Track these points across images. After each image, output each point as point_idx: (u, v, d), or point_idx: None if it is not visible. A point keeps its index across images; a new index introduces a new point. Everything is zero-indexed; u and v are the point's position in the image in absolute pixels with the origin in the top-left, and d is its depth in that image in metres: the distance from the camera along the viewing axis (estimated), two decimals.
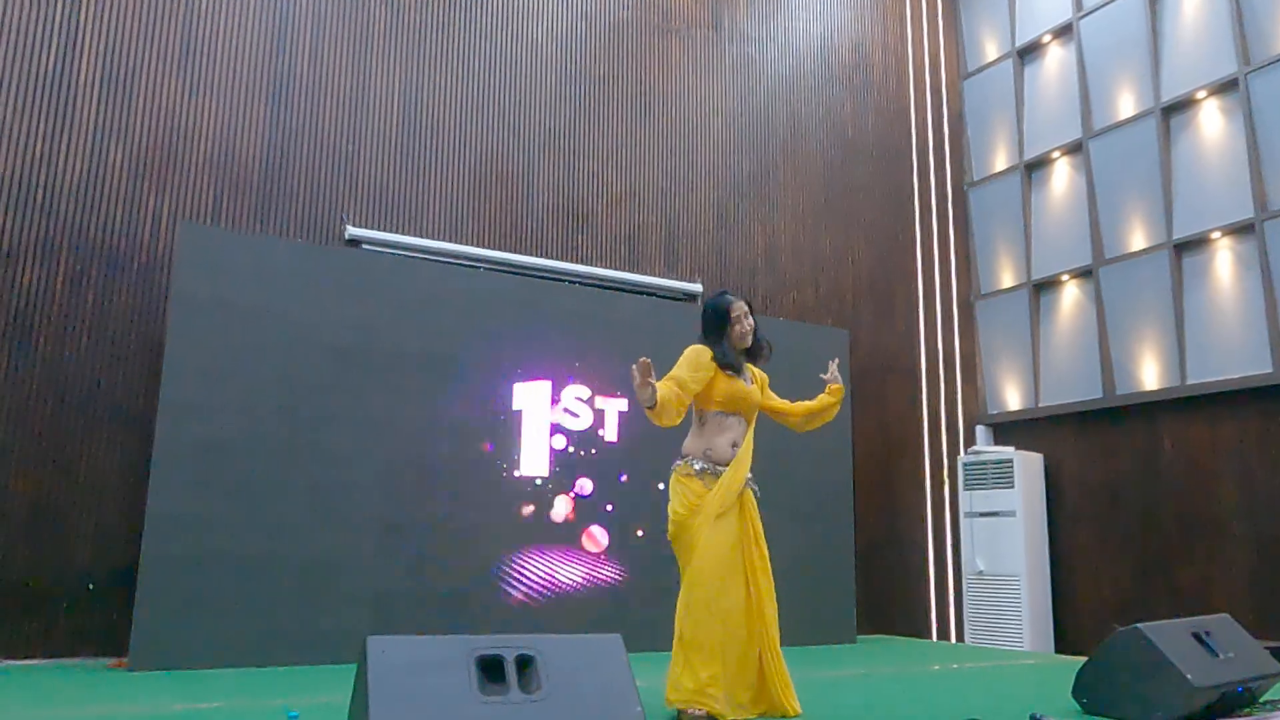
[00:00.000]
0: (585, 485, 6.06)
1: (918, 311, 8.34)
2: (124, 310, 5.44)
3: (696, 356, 3.58)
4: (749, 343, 3.69)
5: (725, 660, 3.31)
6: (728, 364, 3.59)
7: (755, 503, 3.63)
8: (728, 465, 3.54)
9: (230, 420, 5.08)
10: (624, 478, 6.17)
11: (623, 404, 6.27)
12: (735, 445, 3.59)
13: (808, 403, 3.88)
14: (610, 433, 6.21)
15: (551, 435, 6.01)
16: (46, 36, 5.46)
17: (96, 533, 5.16)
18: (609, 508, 6.10)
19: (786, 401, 3.89)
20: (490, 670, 2.36)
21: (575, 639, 2.58)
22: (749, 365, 3.76)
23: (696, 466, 3.56)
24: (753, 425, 3.71)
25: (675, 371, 3.54)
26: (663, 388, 3.42)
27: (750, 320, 3.68)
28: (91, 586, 5.10)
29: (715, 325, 3.66)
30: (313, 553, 5.16)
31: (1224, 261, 6.74)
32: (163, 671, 4.61)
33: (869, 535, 7.40)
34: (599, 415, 6.19)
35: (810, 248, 7.88)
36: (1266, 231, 6.41)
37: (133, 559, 4.87)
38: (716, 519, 3.45)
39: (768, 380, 3.87)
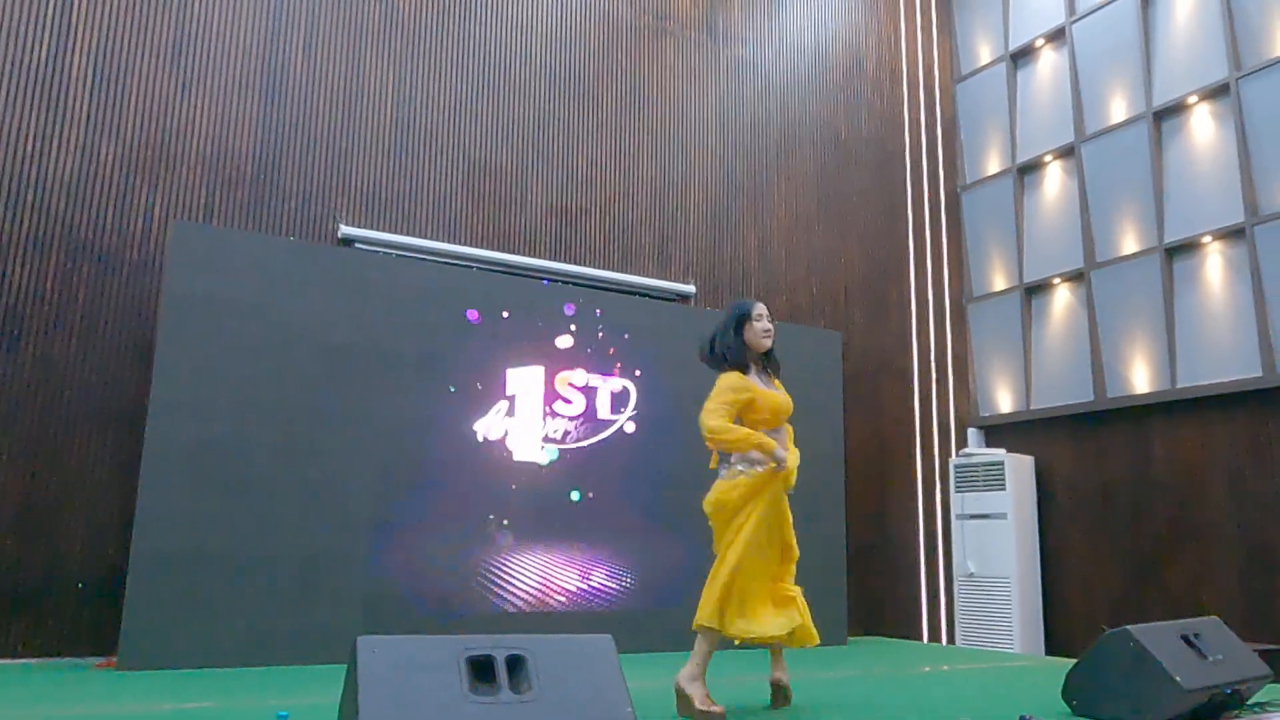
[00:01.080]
0: (581, 470, 6.06)
1: (910, 313, 8.36)
2: (115, 308, 5.42)
3: (726, 383, 3.70)
4: (768, 344, 3.81)
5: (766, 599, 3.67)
6: (741, 360, 3.75)
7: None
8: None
9: (221, 419, 5.06)
10: (618, 463, 6.18)
11: (615, 385, 6.29)
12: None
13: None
14: (604, 412, 6.21)
15: (545, 422, 6.02)
16: (38, 32, 5.44)
17: (86, 531, 5.14)
18: (598, 494, 6.11)
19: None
20: (481, 670, 2.36)
21: (566, 639, 2.58)
22: (772, 375, 3.91)
23: (746, 467, 3.68)
24: (788, 428, 3.89)
25: (715, 410, 3.64)
26: (743, 431, 3.64)
27: (769, 324, 3.82)
28: (81, 585, 5.08)
29: (736, 323, 3.79)
30: (304, 552, 5.15)
31: (1214, 266, 6.77)
32: (151, 671, 4.59)
33: (860, 537, 7.41)
34: (591, 398, 6.19)
35: (803, 249, 7.89)
36: (1257, 236, 6.44)
37: (123, 558, 4.85)
38: (767, 505, 3.67)
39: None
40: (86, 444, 5.23)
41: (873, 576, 7.54)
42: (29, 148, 5.33)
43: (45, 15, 5.46)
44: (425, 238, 6.31)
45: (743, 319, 3.79)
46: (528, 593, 5.79)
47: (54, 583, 5.03)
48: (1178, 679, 3.20)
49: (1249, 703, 3.64)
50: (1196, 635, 3.50)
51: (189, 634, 4.78)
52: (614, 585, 6.06)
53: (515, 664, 2.40)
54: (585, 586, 5.98)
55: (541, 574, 5.86)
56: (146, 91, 5.69)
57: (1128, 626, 3.40)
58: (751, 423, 3.69)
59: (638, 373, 6.39)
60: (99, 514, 5.18)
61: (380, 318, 5.59)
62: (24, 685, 4.14)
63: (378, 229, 6.18)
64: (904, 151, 8.64)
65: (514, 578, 5.76)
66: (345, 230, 6.03)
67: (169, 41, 5.79)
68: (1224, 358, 6.60)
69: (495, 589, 5.68)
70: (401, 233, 6.25)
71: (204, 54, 5.88)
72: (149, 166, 5.63)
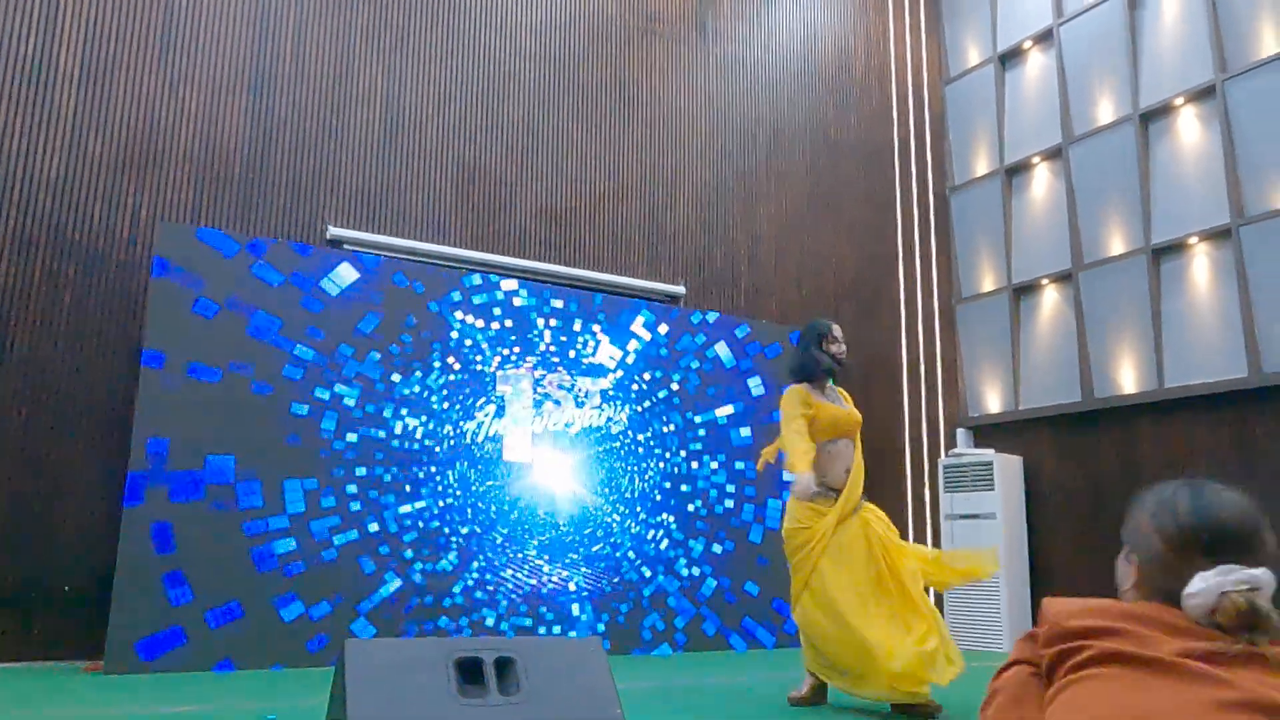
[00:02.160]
0: (569, 470, 6.06)
1: (899, 314, 8.38)
2: (102, 308, 5.38)
3: (791, 401, 3.94)
4: (838, 366, 4.08)
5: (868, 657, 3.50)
6: (815, 373, 4.00)
7: (878, 517, 3.88)
8: (841, 489, 3.83)
9: (209, 420, 5.04)
10: (607, 460, 6.18)
11: (605, 384, 6.29)
12: (848, 470, 3.89)
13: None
14: (592, 417, 6.21)
15: (534, 422, 6.02)
16: (24, 28, 5.40)
17: (73, 534, 5.11)
18: (587, 494, 6.11)
19: None
20: (469, 672, 2.35)
21: (555, 641, 2.58)
22: (839, 389, 4.14)
23: (813, 490, 3.77)
24: (859, 445, 4.02)
25: (788, 427, 3.89)
26: (803, 450, 3.80)
27: (843, 347, 4.12)
28: (68, 588, 5.04)
29: (812, 340, 4.06)
30: (291, 555, 5.13)
31: (1201, 267, 6.81)
32: (138, 675, 4.57)
33: None
34: (580, 400, 6.19)
35: (793, 250, 7.91)
36: (1242, 237, 6.48)
37: (110, 561, 4.82)
38: (836, 535, 3.71)
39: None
40: (73, 446, 5.19)
41: None
42: (15, 146, 5.30)
43: (32, 11, 5.43)
44: (414, 239, 6.30)
45: (821, 337, 4.05)
46: (518, 593, 5.78)
47: (41, 586, 5.00)
48: None
49: None
50: None
51: (176, 637, 4.76)
52: (605, 586, 6.05)
53: (504, 665, 2.39)
54: (575, 586, 5.97)
55: (532, 575, 5.85)
56: (134, 90, 5.65)
57: None
58: (812, 434, 3.88)
59: (625, 373, 6.39)
60: (86, 516, 5.14)
61: (369, 319, 5.58)
62: (11, 689, 4.11)
63: (366, 230, 6.16)
64: (893, 152, 8.66)
65: (504, 578, 5.75)
66: (334, 231, 6.01)
67: (157, 39, 5.76)
68: (1210, 358, 6.63)
69: (486, 590, 5.67)
70: (390, 234, 6.23)
71: (192, 52, 5.85)
72: (136, 166, 5.60)
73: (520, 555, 5.83)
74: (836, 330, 4.12)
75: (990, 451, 7.66)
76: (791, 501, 3.87)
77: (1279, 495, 6.12)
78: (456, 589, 5.58)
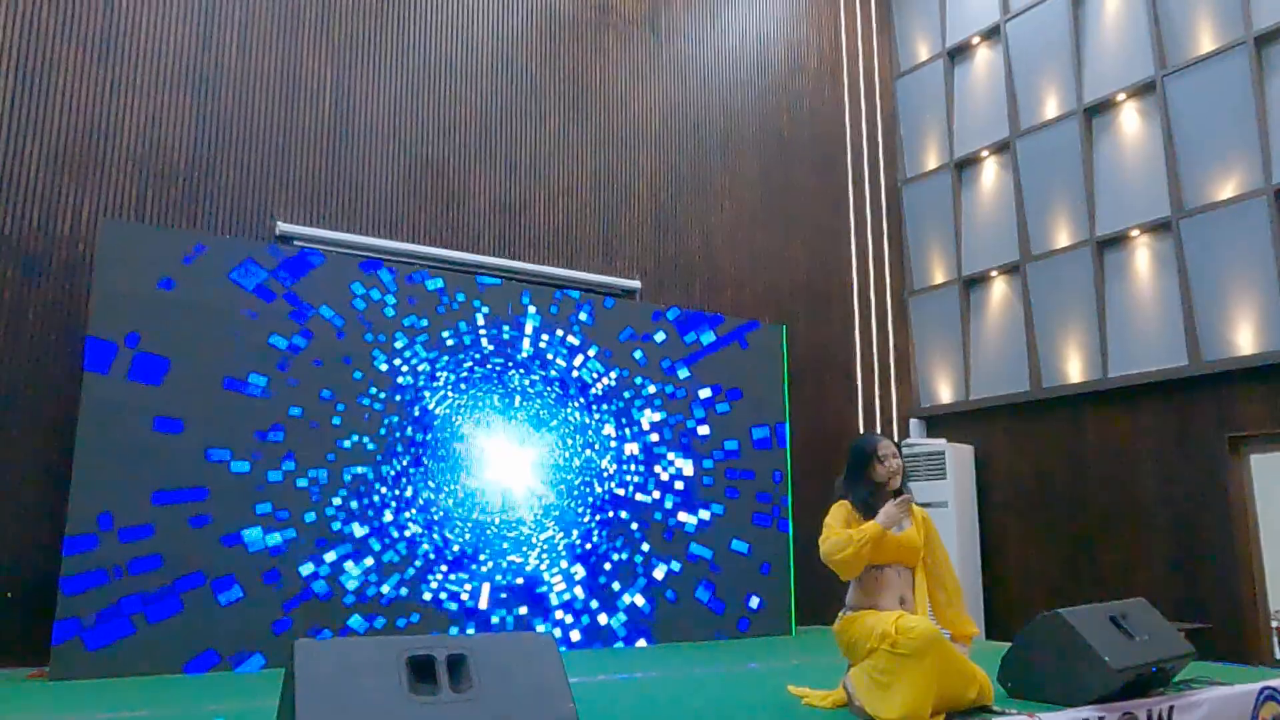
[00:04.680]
0: (527, 462, 6.05)
1: (853, 307, 8.48)
2: (42, 310, 5.25)
3: (833, 515, 3.48)
4: (896, 484, 3.48)
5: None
6: (862, 505, 3.46)
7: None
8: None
9: (154, 423, 4.95)
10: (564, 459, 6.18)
11: (562, 379, 6.28)
12: (904, 601, 3.38)
13: (959, 608, 3.61)
14: (548, 411, 6.20)
15: (493, 420, 5.99)
16: None
17: (15, 539, 4.98)
18: (549, 493, 6.11)
19: (950, 569, 3.62)
20: (421, 670, 2.35)
21: (507, 637, 2.58)
22: (912, 506, 3.53)
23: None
24: (920, 573, 3.52)
25: (833, 531, 3.43)
26: (847, 545, 3.34)
27: (898, 461, 3.50)
28: (10, 595, 4.92)
29: (858, 463, 3.52)
30: (240, 556, 5.06)
31: (1143, 259, 6.99)
32: (85, 680, 4.48)
33: (806, 527, 7.49)
34: (540, 394, 6.18)
35: (746, 244, 7.95)
36: (1182, 229, 6.65)
37: (54, 566, 4.72)
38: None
39: (933, 526, 3.64)
40: (14, 450, 5.06)
41: (819, 566, 7.60)
42: None
43: None
44: (365, 234, 6.23)
45: (868, 459, 3.50)
46: (471, 592, 5.75)
47: None
48: (1106, 659, 3.30)
49: (1175, 680, 3.77)
50: (1124, 616, 3.61)
51: (123, 642, 4.68)
52: (567, 579, 6.05)
53: (456, 663, 2.39)
54: (534, 584, 5.96)
55: (489, 573, 5.83)
56: (73, 88, 5.52)
57: (1058, 610, 3.50)
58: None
59: (580, 367, 6.39)
60: (28, 521, 5.02)
61: (319, 316, 5.51)
62: None
63: (316, 226, 6.08)
64: (845, 147, 8.74)
65: (459, 577, 5.72)
66: (283, 227, 5.92)
67: (97, 35, 5.62)
68: (1152, 347, 6.81)
69: (439, 589, 5.64)
70: (341, 229, 6.16)
71: (135, 48, 5.72)
72: (77, 165, 5.47)
73: (481, 552, 5.80)
74: (885, 448, 3.49)
75: (942, 441, 7.79)
76: (842, 627, 3.47)
77: (1218, 478, 6.33)
78: (411, 588, 5.54)
